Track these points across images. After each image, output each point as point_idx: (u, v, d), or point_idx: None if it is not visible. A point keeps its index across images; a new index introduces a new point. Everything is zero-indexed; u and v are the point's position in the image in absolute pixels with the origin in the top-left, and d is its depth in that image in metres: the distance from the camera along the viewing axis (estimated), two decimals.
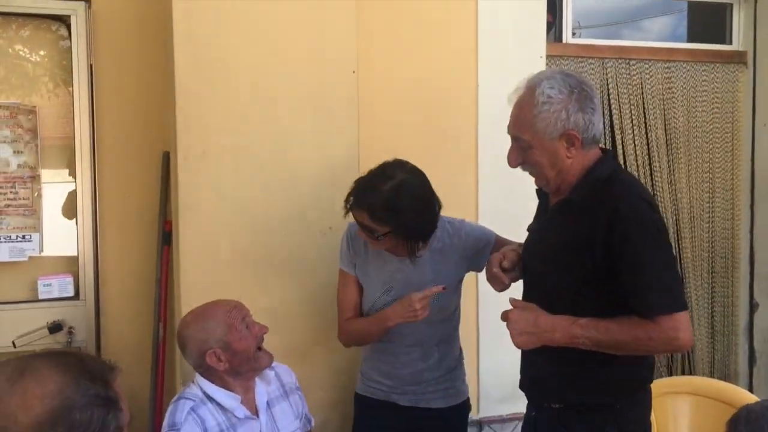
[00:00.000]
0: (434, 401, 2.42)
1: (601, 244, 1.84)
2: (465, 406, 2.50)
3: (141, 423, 2.75)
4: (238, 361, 2.16)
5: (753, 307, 3.87)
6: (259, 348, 2.21)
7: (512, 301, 2.01)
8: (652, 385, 2.50)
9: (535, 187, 2.11)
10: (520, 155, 1.97)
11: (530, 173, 2.03)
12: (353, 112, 2.70)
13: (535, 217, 2.20)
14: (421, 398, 2.41)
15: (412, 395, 2.41)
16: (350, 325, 2.41)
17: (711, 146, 3.79)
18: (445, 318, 2.40)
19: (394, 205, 2.19)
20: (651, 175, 3.68)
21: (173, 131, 2.57)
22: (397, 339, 2.37)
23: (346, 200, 2.25)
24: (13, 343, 2.65)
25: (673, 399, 2.65)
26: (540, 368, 2.06)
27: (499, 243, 2.39)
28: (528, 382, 2.14)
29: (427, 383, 2.40)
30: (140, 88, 2.87)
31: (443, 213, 2.35)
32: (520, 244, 2.20)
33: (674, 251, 3.67)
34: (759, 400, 1.17)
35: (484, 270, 2.21)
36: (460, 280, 2.42)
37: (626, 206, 1.85)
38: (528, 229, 2.19)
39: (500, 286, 2.12)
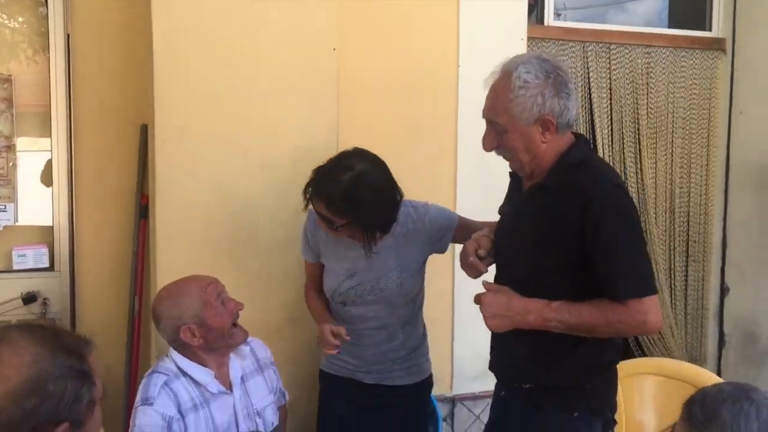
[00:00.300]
0: (399, 379, 2.44)
1: (575, 228, 1.87)
2: (428, 383, 2.54)
3: (116, 395, 2.76)
4: (212, 337, 2.16)
5: (724, 291, 3.95)
6: (235, 324, 2.22)
7: (485, 284, 2.03)
8: (620, 366, 2.55)
9: (509, 170, 2.13)
10: (495, 139, 1.97)
11: (504, 157, 2.03)
12: (333, 93, 2.70)
13: (506, 200, 2.21)
14: (386, 376, 2.43)
15: (377, 374, 2.43)
16: (308, 297, 2.50)
17: (688, 132, 3.83)
18: (409, 301, 2.41)
19: (353, 196, 2.17)
20: (626, 159, 3.71)
21: (151, 107, 2.55)
22: (362, 323, 2.38)
23: (305, 190, 2.23)
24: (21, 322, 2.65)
25: (639, 379, 2.71)
26: (511, 350, 2.08)
27: (462, 224, 2.40)
28: (498, 364, 2.17)
29: (392, 362, 2.42)
30: (119, 60, 2.83)
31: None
32: (490, 229, 2.20)
33: (649, 235, 3.74)
34: (722, 381, 1.20)
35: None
36: (424, 263, 2.42)
37: (599, 192, 1.87)
38: (499, 212, 2.21)
39: (476, 273, 2.12)
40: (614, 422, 2.12)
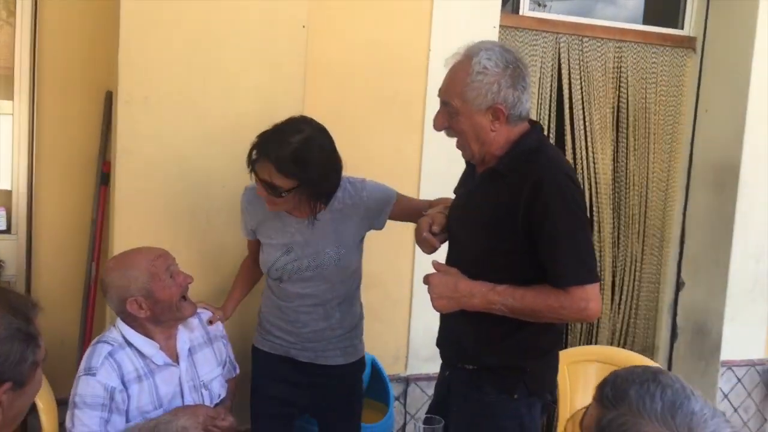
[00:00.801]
0: (333, 359, 2.45)
1: (523, 214, 1.91)
2: (361, 363, 2.56)
3: (70, 360, 2.76)
4: (160, 309, 2.18)
5: (679, 285, 4.03)
6: (184, 297, 2.23)
7: (435, 264, 2.07)
8: (565, 353, 2.62)
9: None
10: (446, 120, 2.00)
11: (457, 145, 2.06)
12: (300, 68, 2.70)
13: (460, 182, 2.25)
14: (321, 355, 2.44)
15: (312, 352, 2.43)
16: (241, 267, 2.58)
17: (654, 127, 3.88)
18: (346, 278, 2.41)
19: (303, 157, 2.15)
20: (591, 151, 3.76)
21: (116, 74, 2.54)
22: (297, 299, 2.38)
23: (249, 155, 2.19)
24: None
25: (584, 366, 2.79)
26: (456, 330, 2.14)
27: (402, 201, 2.43)
28: (445, 343, 2.22)
29: (327, 341, 2.43)
30: (86, 25, 2.80)
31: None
32: (444, 206, 2.23)
33: (602, 227, 3.81)
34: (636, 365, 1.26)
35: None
36: (361, 239, 2.43)
37: (549, 180, 1.92)
38: (454, 192, 2.24)
39: (430, 249, 2.16)
40: (553, 404, 2.22)
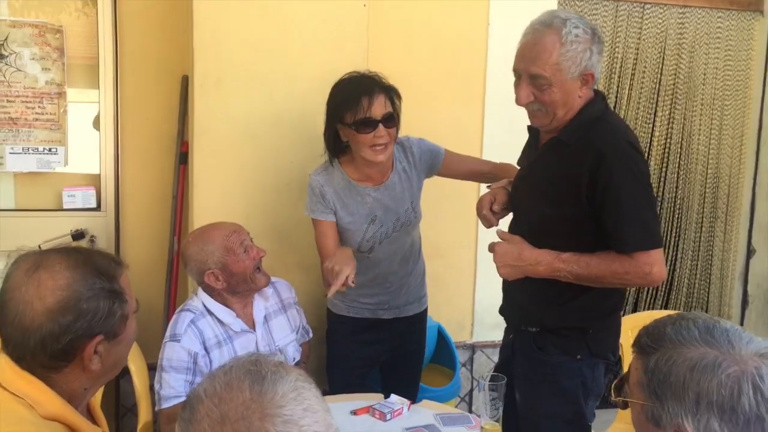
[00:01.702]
0: (412, 309, 2.65)
1: (587, 182, 1.95)
2: (426, 311, 2.75)
3: (157, 327, 2.96)
4: (235, 281, 2.32)
5: (750, 252, 3.97)
6: (258, 269, 2.36)
7: (500, 233, 2.14)
8: (631, 317, 2.64)
9: (528, 124, 2.19)
10: (532, 93, 2.00)
11: (533, 111, 2.06)
12: (362, 46, 2.81)
13: (524, 153, 2.30)
14: (403, 309, 2.62)
15: (396, 309, 2.61)
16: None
17: (722, 93, 3.82)
18: (416, 227, 2.61)
19: (389, 83, 2.40)
20: (656, 121, 3.74)
21: (191, 59, 2.71)
22: (386, 261, 2.53)
23: (355, 109, 2.30)
24: (39, 246, 2.85)
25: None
26: (519, 294, 2.21)
27: (454, 158, 2.60)
28: (508, 308, 2.30)
29: (408, 293, 2.59)
30: (163, 13, 2.98)
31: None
32: (508, 181, 2.30)
33: (673, 196, 3.79)
34: None
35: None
36: (420, 189, 2.59)
37: (612, 148, 1.96)
38: (518, 164, 2.31)
39: (489, 224, 2.26)
40: (617, 365, 2.23)
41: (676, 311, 1.37)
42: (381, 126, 2.32)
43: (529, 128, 2.25)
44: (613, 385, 1.32)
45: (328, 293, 2.24)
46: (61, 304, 1.28)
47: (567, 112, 2.02)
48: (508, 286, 2.29)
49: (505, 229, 2.22)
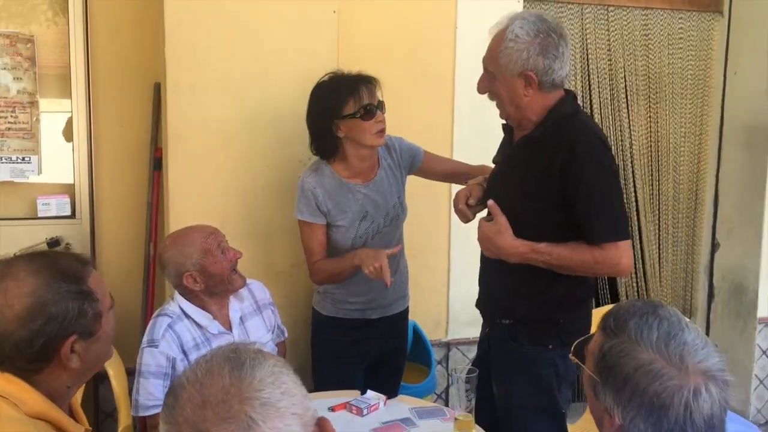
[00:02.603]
0: (396, 308, 2.70)
1: (558, 176, 2.05)
2: (408, 309, 2.81)
3: (134, 332, 2.96)
4: (213, 282, 2.35)
5: (714, 246, 4.08)
6: (234, 271, 2.40)
7: (491, 205, 2.19)
8: (598, 311, 2.72)
9: (502, 122, 2.31)
10: (487, 84, 2.18)
11: (497, 106, 2.22)
12: (333, 51, 2.86)
13: (499, 150, 2.39)
14: (388, 308, 2.67)
15: (382, 308, 2.66)
16: (322, 266, 2.56)
17: (683, 92, 3.93)
18: (400, 224, 2.68)
19: None
20: (622, 119, 3.83)
21: (163, 65, 2.74)
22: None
23: (357, 99, 2.42)
24: (15, 255, 2.87)
25: None
26: (494, 288, 2.30)
27: (433, 158, 2.72)
28: (483, 301, 2.39)
29: (394, 289, 2.63)
30: (134, 21, 3.00)
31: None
32: (484, 178, 2.39)
33: (637, 192, 3.88)
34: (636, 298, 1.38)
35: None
36: (404, 185, 2.69)
37: (583, 144, 2.06)
38: (493, 161, 2.39)
39: (465, 219, 2.35)
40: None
41: (655, 299, 1.43)
42: (379, 112, 2.46)
43: (504, 127, 2.35)
44: (576, 343, 1.41)
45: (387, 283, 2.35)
46: (29, 310, 1.31)
47: (519, 109, 2.14)
48: (483, 280, 2.39)
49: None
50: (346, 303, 2.64)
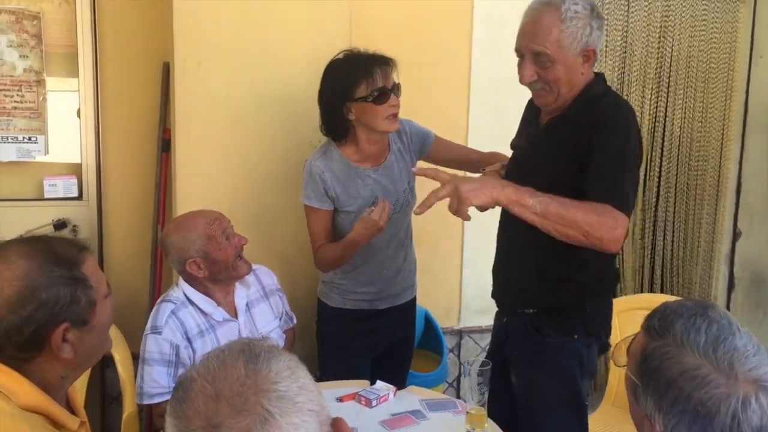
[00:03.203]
0: (404, 297, 2.64)
1: (585, 153, 1.95)
2: (415, 299, 2.74)
3: (141, 316, 2.92)
4: (217, 269, 2.29)
5: (736, 235, 3.99)
6: (240, 257, 2.34)
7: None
8: (617, 302, 2.67)
9: (526, 104, 2.22)
10: (536, 72, 2.02)
11: (537, 90, 2.07)
12: (345, 30, 2.79)
13: (518, 134, 2.30)
14: (396, 298, 2.61)
15: (391, 297, 2.59)
16: (324, 252, 2.48)
17: (706, 76, 3.82)
18: (409, 210, 2.58)
19: None
20: (644, 106, 3.73)
21: (171, 43, 2.67)
22: (384, 246, 2.51)
23: (371, 81, 2.33)
24: (21, 237, 2.83)
25: (635, 314, 2.82)
26: (514, 276, 2.21)
27: (443, 143, 2.63)
28: (501, 291, 2.30)
29: (403, 279, 2.59)
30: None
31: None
32: (502, 165, 2.28)
33: (661, 178, 3.79)
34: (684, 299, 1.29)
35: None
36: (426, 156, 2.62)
37: (611, 118, 1.97)
38: (512, 146, 2.29)
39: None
40: (609, 346, 2.25)
41: (705, 300, 1.34)
42: (393, 96, 2.36)
43: (527, 110, 2.26)
44: (616, 344, 1.33)
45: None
46: (20, 295, 1.26)
47: (571, 90, 2.03)
48: (502, 269, 2.29)
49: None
50: (354, 294, 2.57)
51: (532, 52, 2.00)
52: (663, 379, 1.13)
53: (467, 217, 1.92)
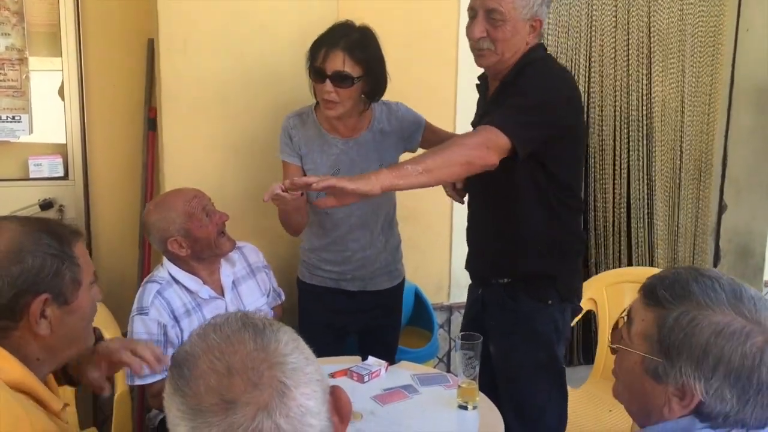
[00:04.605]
0: (381, 284, 2.60)
1: None
2: (402, 284, 2.70)
3: (130, 297, 2.86)
4: (199, 247, 2.29)
5: (722, 208, 4.02)
6: (222, 234, 2.33)
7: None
8: (604, 275, 2.74)
9: (476, 83, 2.30)
10: (486, 28, 2.08)
11: (482, 51, 2.12)
12: (332, 6, 2.75)
13: (477, 110, 2.36)
14: (369, 282, 2.57)
15: (361, 281, 2.56)
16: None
17: (693, 49, 3.82)
18: (388, 198, 2.54)
19: (368, 43, 2.33)
20: (630, 78, 3.73)
21: (155, 21, 2.63)
22: (345, 226, 2.49)
23: (314, 57, 2.30)
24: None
25: (622, 287, 2.85)
26: (489, 247, 2.27)
27: (433, 129, 2.58)
28: (476, 261, 2.36)
29: (375, 267, 2.55)
30: None
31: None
32: None
33: (647, 151, 3.79)
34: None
35: None
36: (398, 159, 2.53)
37: (531, 74, 2.07)
38: (472, 124, 2.34)
39: (460, 201, 2.39)
40: (580, 309, 2.39)
41: (678, 267, 1.33)
42: (328, 81, 2.29)
43: (478, 86, 2.33)
44: (611, 330, 1.30)
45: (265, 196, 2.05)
46: (7, 256, 1.26)
47: (513, 55, 2.11)
48: (474, 240, 2.36)
49: None
50: (320, 270, 2.57)
51: (486, 9, 2.07)
52: (698, 345, 1.11)
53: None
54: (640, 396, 1.19)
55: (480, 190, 2.21)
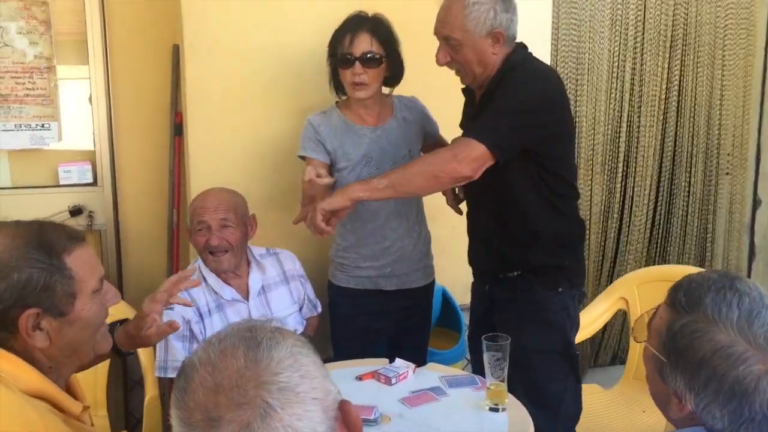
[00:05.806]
0: (416, 281, 2.59)
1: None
2: (433, 285, 2.71)
3: None
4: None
5: (756, 204, 3.93)
6: (212, 253, 2.35)
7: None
8: (637, 273, 2.74)
9: (461, 86, 2.31)
10: (448, 54, 2.15)
11: (456, 71, 2.21)
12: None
13: (463, 115, 2.38)
14: (406, 280, 2.56)
15: (398, 278, 2.54)
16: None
17: (724, 42, 3.74)
18: None
19: (387, 26, 2.41)
20: (659, 71, 3.67)
21: (180, 26, 2.65)
22: (382, 215, 2.48)
23: (339, 44, 2.36)
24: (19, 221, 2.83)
25: (655, 286, 2.79)
26: (496, 242, 2.28)
27: (435, 138, 2.63)
28: (481, 256, 2.39)
29: (411, 261, 2.55)
30: None
31: None
32: None
33: (678, 146, 3.72)
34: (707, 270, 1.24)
35: None
36: (419, 144, 2.58)
37: (510, 79, 2.09)
38: (461, 126, 2.35)
39: (460, 212, 2.45)
40: (585, 295, 2.46)
41: (731, 271, 1.29)
42: (357, 63, 2.34)
43: (464, 90, 2.35)
44: (636, 320, 1.30)
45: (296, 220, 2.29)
46: None
47: (485, 69, 2.14)
48: (479, 236, 2.38)
49: None
50: (357, 269, 2.54)
51: (443, 37, 2.14)
52: (695, 358, 1.09)
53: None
54: (653, 390, 1.21)
55: (480, 189, 2.21)
